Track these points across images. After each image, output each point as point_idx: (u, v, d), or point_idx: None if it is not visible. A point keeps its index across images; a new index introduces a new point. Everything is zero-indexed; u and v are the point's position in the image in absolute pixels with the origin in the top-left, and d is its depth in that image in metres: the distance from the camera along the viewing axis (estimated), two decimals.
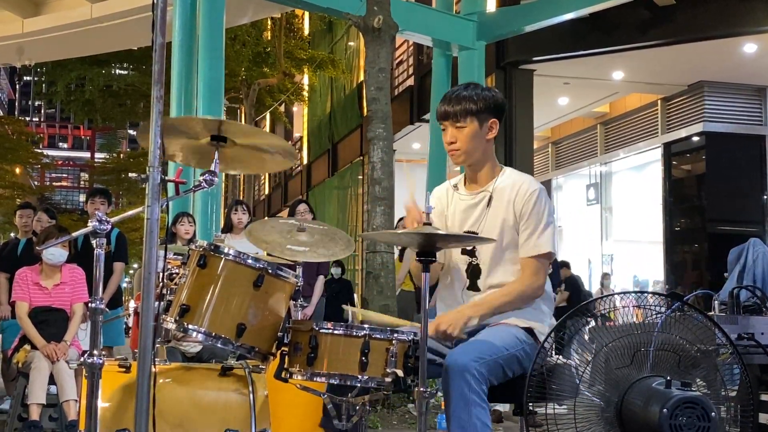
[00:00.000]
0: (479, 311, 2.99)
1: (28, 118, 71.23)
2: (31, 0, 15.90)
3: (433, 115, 3.38)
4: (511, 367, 2.92)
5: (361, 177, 20.59)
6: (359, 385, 2.77)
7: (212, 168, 2.74)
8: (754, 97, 15.16)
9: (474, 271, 3.13)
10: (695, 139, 15.30)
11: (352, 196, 21.79)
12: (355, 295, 15.24)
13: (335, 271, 11.10)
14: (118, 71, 26.12)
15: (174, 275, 3.08)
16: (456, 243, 3.03)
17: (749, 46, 12.92)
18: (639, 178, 18.10)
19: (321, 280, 7.26)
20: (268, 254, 3.57)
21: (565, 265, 13.75)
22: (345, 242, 3.57)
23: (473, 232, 3.08)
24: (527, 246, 3.04)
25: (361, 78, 19.91)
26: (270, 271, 2.86)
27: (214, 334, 2.80)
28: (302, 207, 7.20)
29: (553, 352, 2.87)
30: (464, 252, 3.15)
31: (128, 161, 36.81)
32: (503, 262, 3.09)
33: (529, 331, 3.03)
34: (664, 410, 2.59)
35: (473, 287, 3.13)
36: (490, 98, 3.12)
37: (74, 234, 2.98)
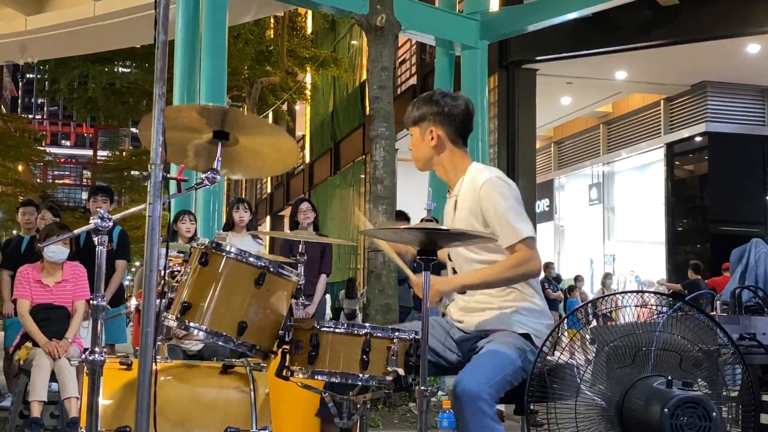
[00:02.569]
0: (471, 281, 2.99)
1: (30, 116, 71.37)
2: None
3: None
4: (517, 378, 2.93)
5: (363, 176, 20.61)
6: (360, 383, 2.77)
7: (214, 166, 2.74)
8: (757, 97, 15.16)
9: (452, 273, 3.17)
10: (698, 139, 15.30)
11: (354, 195, 21.81)
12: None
13: None
14: (120, 69, 26.12)
15: (176, 273, 3.08)
16: (457, 242, 3.03)
17: (752, 47, 12.92)
18: (641, 178, 18.12)
19: (323, 279, 7.25)
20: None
21: None
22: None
23: None
24: (505, 235, 2.96)
25: (364, 77, 19.92)
26: (271, 269, 2.86)
27: (215, 332, 2.80)
28: (305, 205, 7.20)
29: (554, 351, 2.87)
30: (449, 257, 3.20)
31: (131, 159, 36.83)
32: (474, 264, 3.08)
33: (526, 336, 3.02)
34: (665, 410, 2.59)
35: (462, 291, 3.14)
36: (428, 106, 3.13)
37: (76, 231, 2.98)
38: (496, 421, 2.75)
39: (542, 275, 15.24)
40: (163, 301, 2.89)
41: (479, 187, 3.02)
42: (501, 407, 6.74)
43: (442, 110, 3.12)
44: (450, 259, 3.19)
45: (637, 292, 2.91)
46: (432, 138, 3.12)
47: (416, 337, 2.75)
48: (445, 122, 3.13)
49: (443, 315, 3.20)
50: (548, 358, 2.83)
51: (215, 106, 2.84)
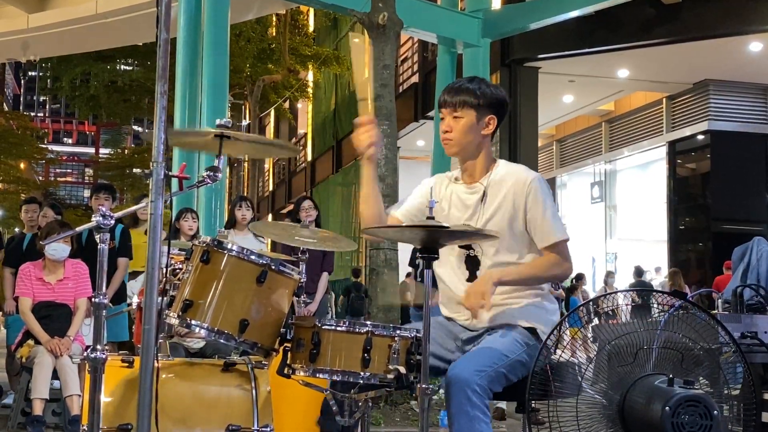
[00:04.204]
0: (507, 276, 2.96)
1: (32, 114, 71.24)
2: None
3: (437, 112, 3.43)
4: (514, 372, 2.90)
5: None
6: (362, 381, 2.77)
7: (216, 164, 2.74)
8: (760, 95, 15.15)
9: (473, 263, 3.11)
10: (700, 137, 15.28)
11: (356, 192, 21.79)
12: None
13: None
14: (122, 67, 26.18)
15: (177, 270, 3.08)
16: (460, 239, 3.02)
17: (755, 45, 12.91)
18: (643, 177, 18.10)
19: (325, 277, 7.24)
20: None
21: None
22: (347, 242, 3.67)
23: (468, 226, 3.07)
24: (544, 236, 3.00)
25: None
26: (273, 267, 2.86)
27: (217, 329, 2.80)
28: (307, 203, 7.19)
29: (555, 349, 2.87)
30: (461, 246, 3.14)
31: (132, 157, 36.83)
32: (502, 253, 3.06)
33: (532, 330, 3.01)
34: (667, 408, 2.59)
35: (473, 278, 3.10)
36: (492, 95, 3.11)
37: (78, 229, 2.99)
38: (484, 413, 2.73)
39: None
40: (165, 298, 2.89)
41: (527, 184, 3.02)
42: (503, 405, 6.77)
43: (503, 101, 3.15)
44: (471, 248, 3.13)
45: (640, 290, 2.91)
46: (488, 125, 3.11)
47: (418, 335, 2.75)
48: (500, 113, 3.15)
49: (448, 319, 3.17)
50: (551, 356, 2.83)
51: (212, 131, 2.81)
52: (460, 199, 3.16)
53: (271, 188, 33.97)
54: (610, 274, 16.16)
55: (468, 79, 3.18)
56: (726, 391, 2.82)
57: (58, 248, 5.66)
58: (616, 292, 2.98)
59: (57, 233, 5.50)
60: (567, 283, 15.93)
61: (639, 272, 14.95)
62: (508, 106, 3.21)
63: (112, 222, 2.59)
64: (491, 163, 3.16)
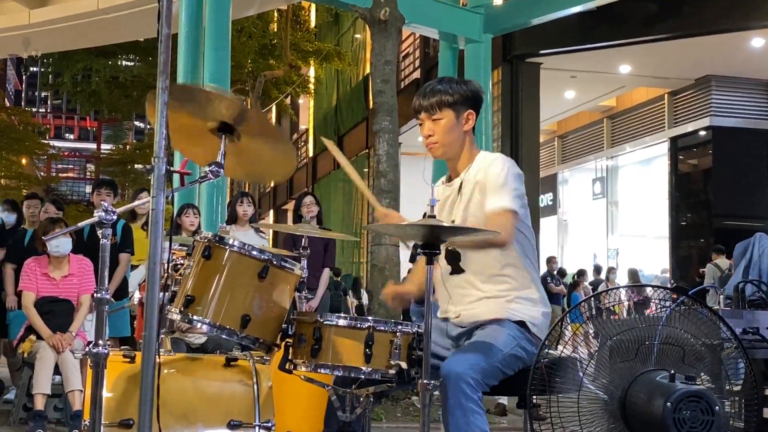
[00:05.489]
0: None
1: (34, 109, 71.18)
2: None
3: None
4: (509, 366, 2.90)
5: (366, 170, 20.58)
6: (363, 377, 2.77)
7: (218, 159, 2.74)
8: (762, 91, 15.13)
9: (452, 256, 3.11)
10: (702, 133, 15.27)
11: (357, 189, 21.78)
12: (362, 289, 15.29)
13: None
14: (124, 62, 26.13)
15: (179, 266, 3.08)
16: (461, 236, 3.02)
17: (757, 41, 12.89)
18: (645, 173, 18.09)
19: (326, 273, 7.22)
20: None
21: None
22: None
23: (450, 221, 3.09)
24: (492, 201, 2.98)
25: (368, 70, 19.88)
26: (275, 262, 2.86)
27: (218, 325, 2.80)
28: (308, 199, 7.18)
29: (557, 345, 2.87)
30: None
31: (134, 152, 36.80)
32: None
33: (521, 323, 3.01)
34: (668, 404, 2.59)
35: (456, 271, 3.11)
36: (465, 90, 3.13)
37: (80, 224, 2.99)
38: (478, 405, 2.73)
39: (545, 269, 15.28)
40: (167, 294, 2.89)
41: (489, 162, 3.06)
42: (504, 401, 6.76)
43: (476, 94, 3.15)
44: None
45: (641, 286, 2.91)
46: (467, 120, 3.13)
47: (419, 330, 2.75)
48: (477, 107, 3.16)
49: (443, 320, 3.17)
50: (551, 352, 2.83)
51: (231, 96, 2.81)
52: (443, 199, 3.21)
53: (272, 184, 33.95)
54: (611, 270, 16.17)
55: (437, 81, 3.20)
56: (727, 387, 2.83)
57: (60, 243, 5.66)
58: (617, 288, 2.98)
59: (52, 231, 5.52)
60: (569, 280, 15.95)
61: (597, 270, 16.01)
62: (482, 96, 3.22)
63: (114, 217, 2.59)
64: (473, 156, 3.17)
